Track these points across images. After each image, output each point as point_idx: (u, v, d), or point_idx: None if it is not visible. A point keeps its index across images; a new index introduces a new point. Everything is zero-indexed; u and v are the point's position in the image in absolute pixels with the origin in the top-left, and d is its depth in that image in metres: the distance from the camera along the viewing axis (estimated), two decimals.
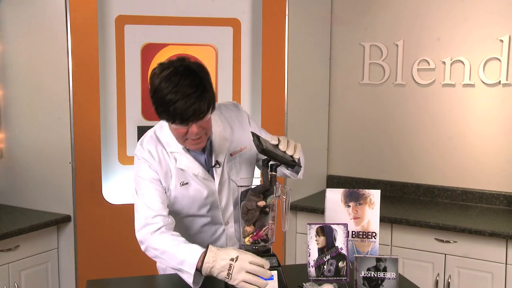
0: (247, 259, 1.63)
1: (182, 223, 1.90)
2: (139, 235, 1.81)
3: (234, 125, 1.99)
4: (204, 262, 1.65)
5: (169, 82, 1.65)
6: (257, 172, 2.09)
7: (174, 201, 1.91)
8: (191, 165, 1.88)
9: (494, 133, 3.45)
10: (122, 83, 3.27)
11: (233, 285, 1.63)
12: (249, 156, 2.02)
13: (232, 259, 1.62)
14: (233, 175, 1.96)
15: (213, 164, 1.91)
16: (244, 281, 1.61)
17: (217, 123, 1.91)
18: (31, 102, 3.26)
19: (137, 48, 3.29)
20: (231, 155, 1.96)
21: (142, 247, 1.82)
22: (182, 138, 1.79)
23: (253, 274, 1.61)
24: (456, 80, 3.53)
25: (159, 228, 1.79)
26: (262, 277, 1.62)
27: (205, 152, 1.92)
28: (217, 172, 1.92)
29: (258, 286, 1.61)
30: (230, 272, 1.62)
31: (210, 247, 1.68)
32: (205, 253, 1.67)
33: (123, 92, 3.27)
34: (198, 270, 1.68)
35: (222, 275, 1.64)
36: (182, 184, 1.89)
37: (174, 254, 1.72)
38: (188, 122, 1.69)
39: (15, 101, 3.32)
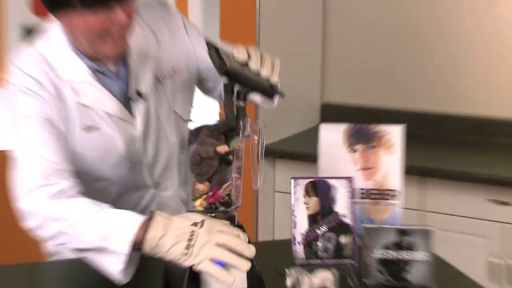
0: (217, 227, 1.24)
1: (88, 190, 1.49)
2: (27, 202, 1.37)
3: (161, 33, 1.61)
4: (148, 231, 1.24)
5: None
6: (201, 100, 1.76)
7: (75, 156, 1.50)
8: (102, 99, 1.50)
9: None
10: None
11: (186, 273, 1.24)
12: (187, 80, 1.66)
13: (195, 224, 1.24)
14: (164, 112, 1.60)
15: (132, 97, 1.54)
16: (214, 258, 1.20)
17: (135, 30, 1.52)
18: None
19: None
20: (158, 80, 1.59)
21: (32, 223, 1.38)
22: (99, 39, 1.42)
23: (226, 249, 1.21)
24: None
25: (61, 189, 1.36)
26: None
27: (119, 78, 1.54)
28: (139, 108, 1.54)
29: (234, 267, 1.21)
30: (192, 243, 1.21)
31: (157, 211, 1.30)
32: (147, 220, 1.26)
33: None
34: (135, 249, 1.27)
35: (178, 252, 1.21)
36: (87, 129, 1.50)
37: (95, 224, 1.31)
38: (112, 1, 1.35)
39: None
